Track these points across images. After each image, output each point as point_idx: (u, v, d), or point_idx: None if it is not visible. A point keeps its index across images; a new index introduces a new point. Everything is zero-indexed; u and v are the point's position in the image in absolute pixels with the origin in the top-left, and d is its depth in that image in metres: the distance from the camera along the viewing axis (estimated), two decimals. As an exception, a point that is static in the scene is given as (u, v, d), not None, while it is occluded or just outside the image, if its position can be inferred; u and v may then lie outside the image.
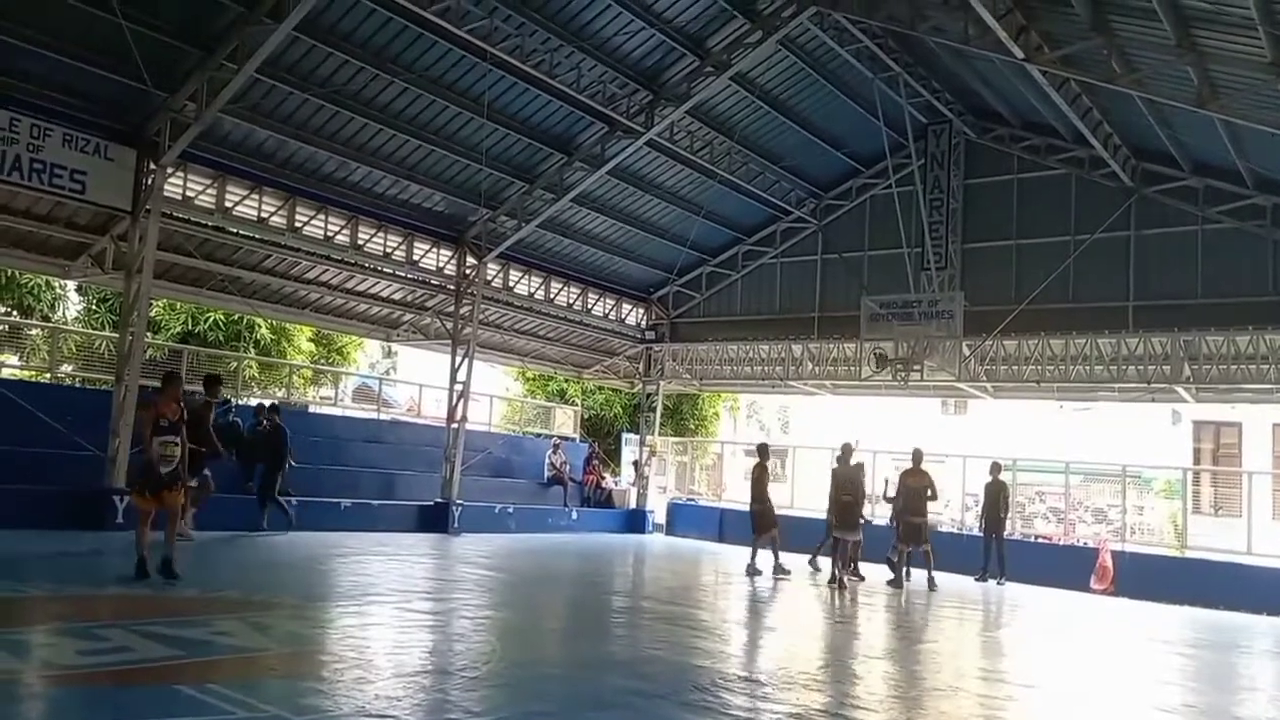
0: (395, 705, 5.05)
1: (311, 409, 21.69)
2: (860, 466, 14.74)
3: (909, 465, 14.53)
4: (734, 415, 32.25)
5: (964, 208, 18.34)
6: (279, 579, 10.04)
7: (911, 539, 14.05)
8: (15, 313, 19.82)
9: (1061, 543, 19.66)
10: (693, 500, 23.74)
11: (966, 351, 17.86)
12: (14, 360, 17.86)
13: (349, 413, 22.66)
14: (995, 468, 16.25)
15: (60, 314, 20.97)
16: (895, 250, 18.23)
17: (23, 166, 11.57)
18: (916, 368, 17.77)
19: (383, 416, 22.14)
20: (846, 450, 14.04)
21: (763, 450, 14.91)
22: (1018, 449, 21.98)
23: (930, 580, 13.88)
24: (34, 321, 19.45)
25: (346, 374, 24.63)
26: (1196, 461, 25.94)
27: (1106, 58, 11.43)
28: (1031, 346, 17.56)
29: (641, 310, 22.46)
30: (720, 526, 20.26)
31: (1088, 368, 17.07)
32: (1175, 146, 15.30)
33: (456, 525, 16.58)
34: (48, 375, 17.04)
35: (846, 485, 13.62)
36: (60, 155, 11.90)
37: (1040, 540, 20.30)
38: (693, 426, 27.78)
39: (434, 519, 16.50)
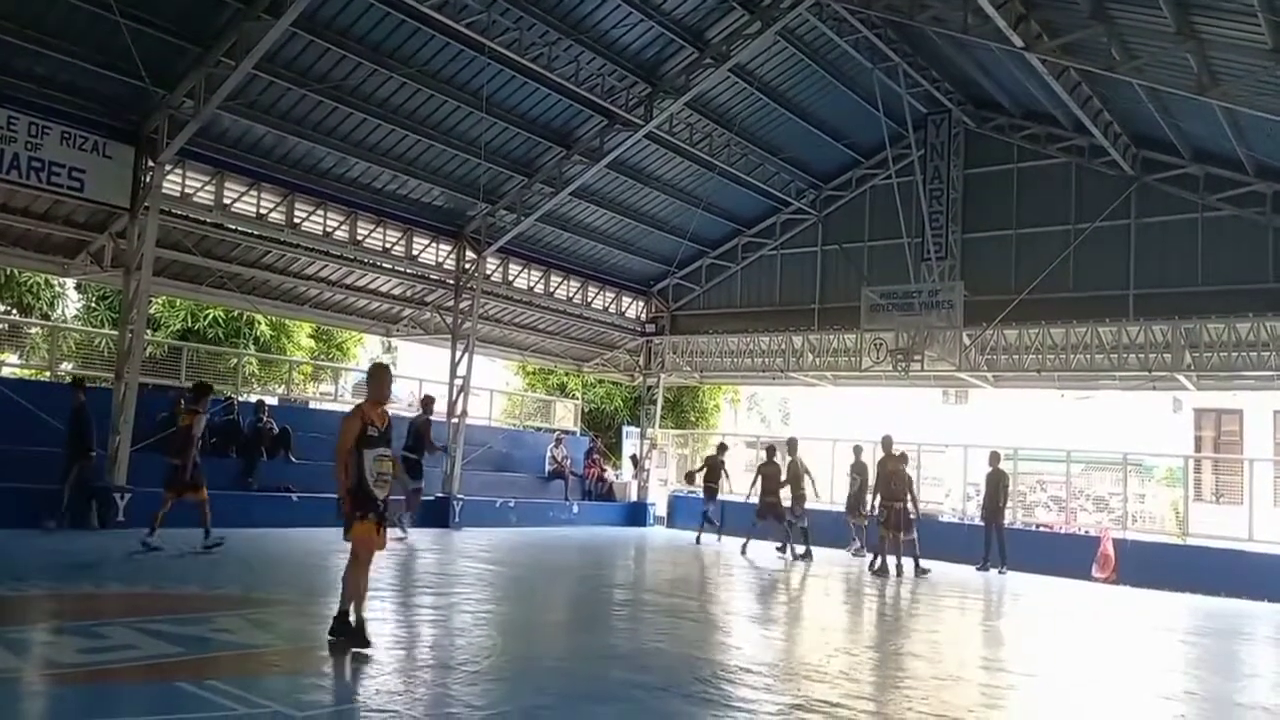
0: (396, 699, 5.06)
1: (312, 405, 21.69)
2: (904, 457, 15.00)
3: (882, 453, 14.67)
4: (735, 407, 32.23)
5: (964, 197, 18.30)
6: (279, 575, 10.05)
7: (894, 525, 14.05)
8: (15, 311, 19.84)
9: (1063, 531, 19.65)
10: (694, 493, 23.72)
11: (967, 341, 17.84)
12: (13, 359, 17.87)
13: (349, 408, 22.61)
14: (994, 457, 16.27)
15: (60, 312, 20.97)
16: (895, 241, 18.20)
17: (21, 165, 11.58)
18: (917, 358, 17.77)
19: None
20: (887, 443, 14.52)
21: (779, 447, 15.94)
22: (1019, 438, 21.98)
23: (917, 566, 14.07)
24: (33, 320, 19.45)
25: (347, 370, 24.62)
26: (1198, 449, 25.93)
27: (1106, 46, 11.39)
28: (1032, 335, 17.55)
29: (641, 303, 22.44)
30: (721, 519, 20.23)
31: (1088, 356, 17.05)
32: (1175, 134, 15.25)
33: (458, 520, 16.60)
34: (47, 373, 17.04)
35: (893, 480, 14.26)
36: (59, 153, 11.90)
37: (1042, 529, 20.29)
38: (693, 419, 27.76)
39: (435, 514, 16.51)
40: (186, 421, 10.99)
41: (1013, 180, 18.01)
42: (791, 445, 16.57)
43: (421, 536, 14.69)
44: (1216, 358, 15.87)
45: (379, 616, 7.79)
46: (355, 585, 6.20)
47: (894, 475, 14.25)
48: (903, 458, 14.66)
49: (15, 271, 18.67)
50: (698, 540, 17.45)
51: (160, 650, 5.88)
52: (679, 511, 21.68)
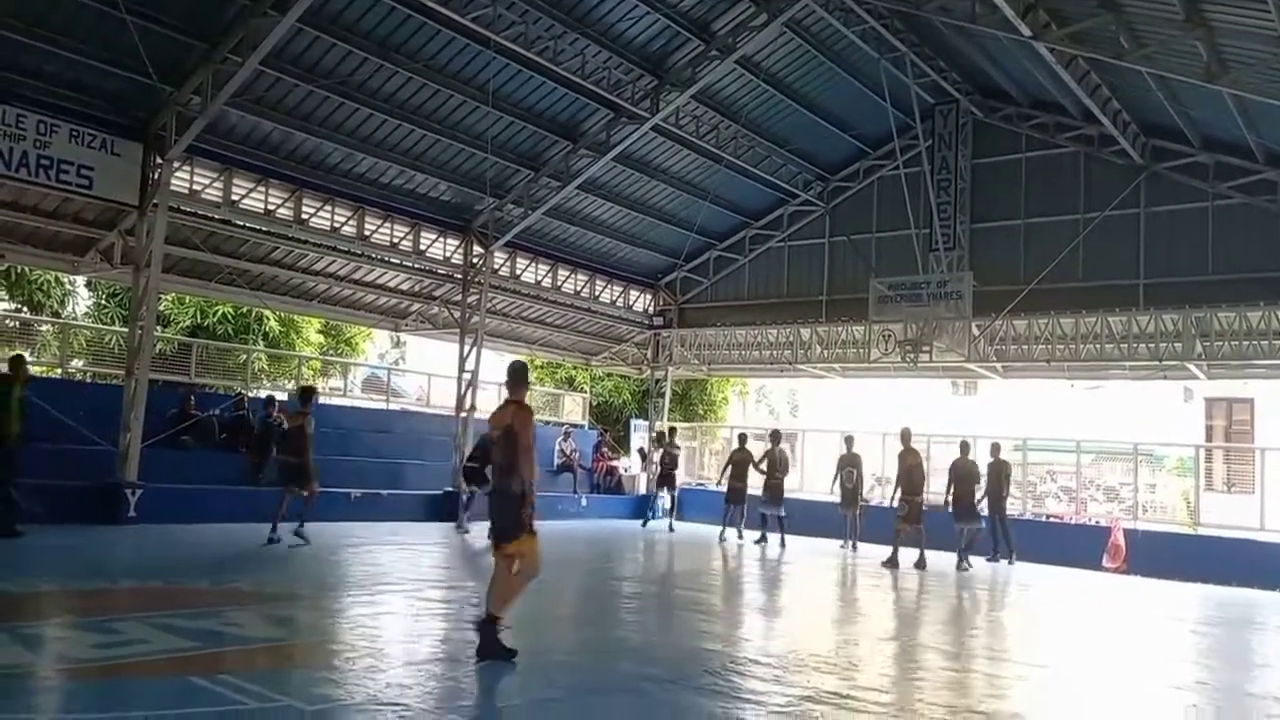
0: (406, 693, 5.08)
1: (321, 400, 21.73)
2: (974, 462, 15.16)
3: (900, 447, 14.62)
4: (743, 400, 32.21)
5: (972, 188, 18.22)
6: (290, 570, 10.09)
7: (915, 518, 14.04)
8: (25, 309, 19.93)
9: (1073, 521, 19.60)
10: (702, 485, 23.74)
11: (976, 332, 17.79)
12: (26, 356, 17.93)
13: (358, 403, 22.72)
14: (995, 448, 16.14)
15: (70, 310, 21.05)
16: (903, 232, 18.12)
17: (30, 163, 11.63)
18: (926, 349, 17.72)
19: (392, 407, 22.18)
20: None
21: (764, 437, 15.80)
22: (1028, 428, 21.89)
23: (920, 559, 13.94)
24: (44, 318, 19.54)
25: (355, 365, 24.69)
26: (1209, 438, 25.82)
27: (1115, 34, 11.31)
28: (1041, 326, 17.48)
29: (649, 296, 22.43)
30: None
31: (1098, 346, 16.97)
32: (1185, 122, 15.15)
33: (465, 515, 16.59)
34: (58, 371, 17.13)
35: (967, 479, 14.60)
36: (67, 151, 11.95)
37: (1052, 519, 20.25)
38: (701, 412, 27.76)
39: (444, 508, 16.55)
40: (298, 423, 11.79)
41: (1021, 170, 17.93)
42: (774, 436, 16.97)
43: (430, 531, 14.76)
44: (1227, 346, 15.78)
45: (389, 611, 7.84)
46: (512, 598, 5.99)
47: (915, 468, 14.25)
48: (916, 450, 14.70)
49: (25, 269, 18.76)
50: (758, 541, 16.37)
51: (173, 645, 5.92)
52: (687, 504, 21.67)
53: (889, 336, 18.54)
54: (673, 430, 19.65)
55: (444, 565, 11.48)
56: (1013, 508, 16.62)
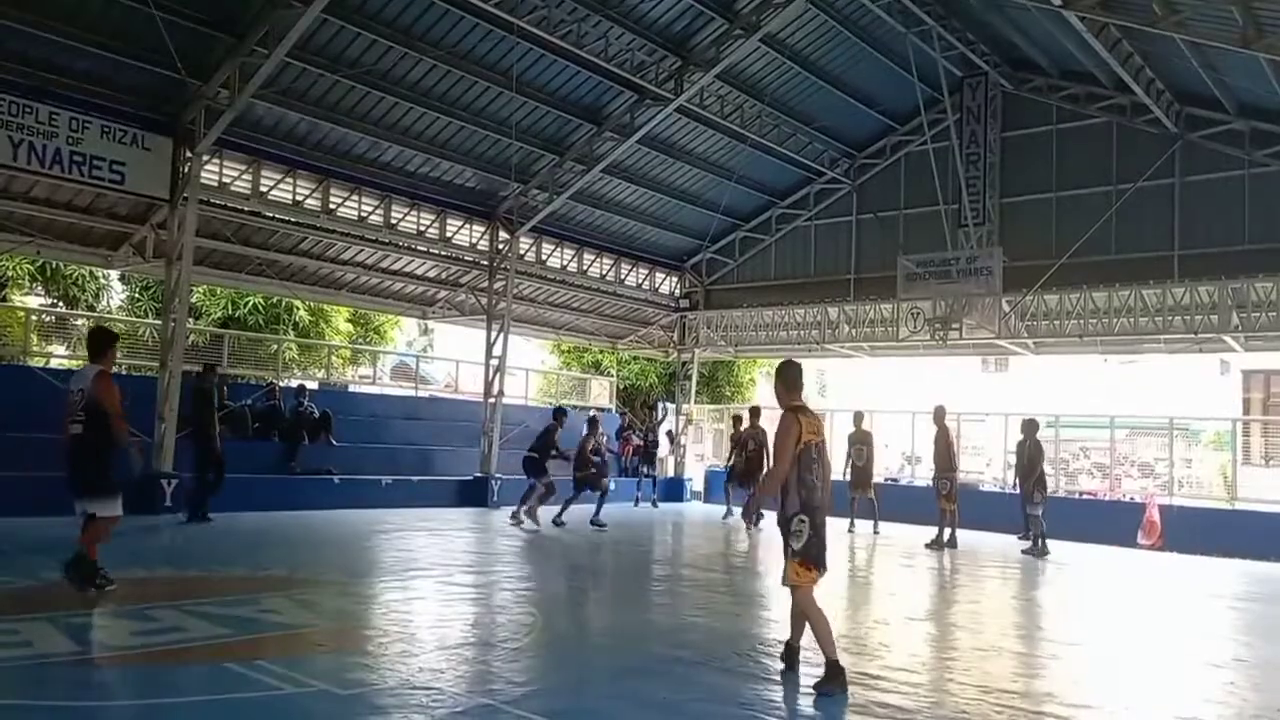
0: (439, 677, 5.14)
1: (351, 388, 21.98)
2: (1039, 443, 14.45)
3: (936, 426, 14.37)
4: (772, 381, 32.13)
5: (1002, 161, 17.95)
6: (323, 556, 10.24)
7: (955, 497, 13.91)
8: (61, 304, 20.29)
9: (1107, 498, 19.38)
10: (730, 467, 23.72)
11: (1006, 308, 17.58)
12: (62, 350, 18.29)
13: (387, 391, 22.93)
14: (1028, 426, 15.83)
15: (105, 304, 21.41)
16: (932, 208, 17.93)
17: (63, 159, 11.81)
18: (955, 326, 17.54)
19: (421, 394, 22.37)
20: (1030, 427, 14.05)
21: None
22: (1061, 404, 21.65)
23: (951, 538, 13.81)
24: (79, 312, 19.89)
25: (384, 352, 24.89)
26: (1246, 411, 25.38)
27: (1147, 0, 11.04)
28: (1073, 300, 17.21)
29: (675, 279, 22.38)
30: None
31: (1132, 320, 16.69)
32: (1220, 89, 14.80)
33: (496, 499, 16.77)
34: (96, 363, 17.41)
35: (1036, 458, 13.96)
36: (99, 147, 12.11)
37: (1085, 496, 20.02)
38: (729, 394, 27.72)
39: (474, 493, 16.71)
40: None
41: (1052, 142, 17.63)
42: (753, 413, 17.02)
43: (460, 516, 14.89)
44: (1265, 317, 15.46)
45: (421, 596, 7.93)
46: (810, 627, 5.43)
47: (950, 446, 14.11)
48: (947, 429, 14.45)
49: (61, 265, 19.08)
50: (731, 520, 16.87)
51: (209, 632, 6.04)
52: (716, 486, 21.69)
53: (918, 314, 18.39)
54: (652, 408, 19.26)
55: (474, 550, 11.58)
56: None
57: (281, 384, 17.50)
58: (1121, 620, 8.83)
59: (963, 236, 17.55)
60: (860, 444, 15.88)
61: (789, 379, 5.72)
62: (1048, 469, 15.19)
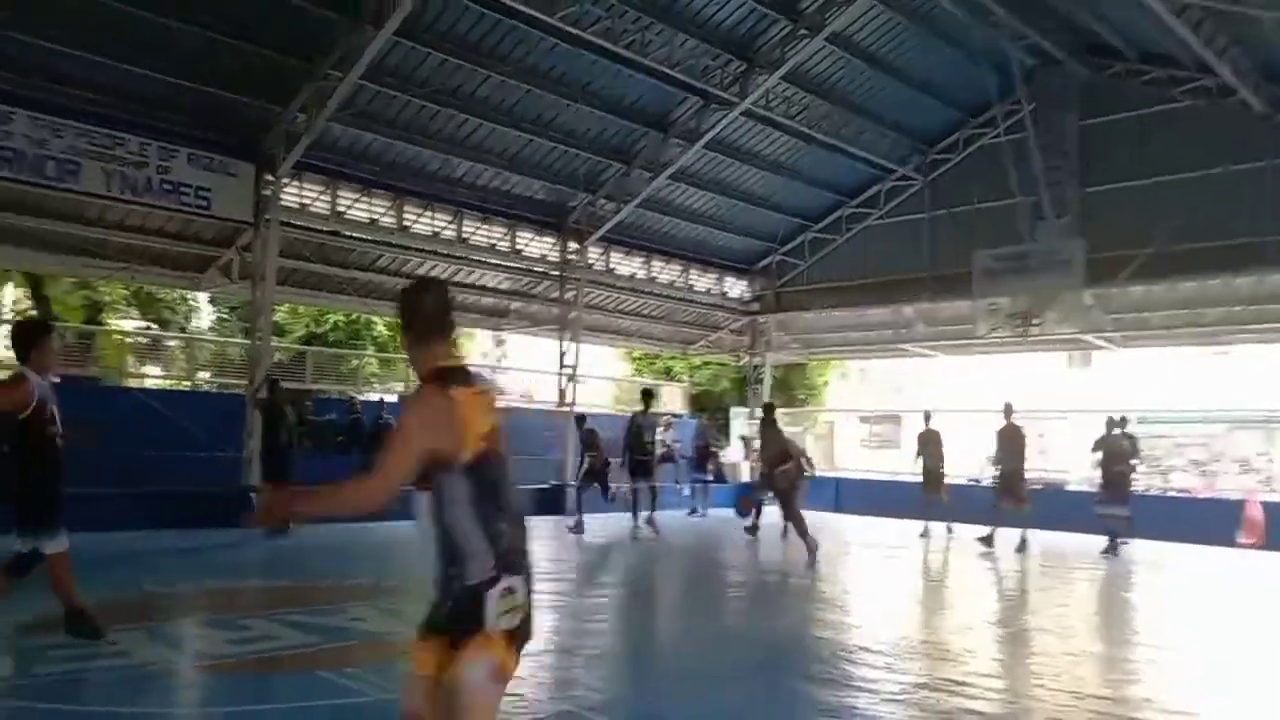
0: (520, 684, 5.20)
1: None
2: (1131, 438, 13.97)
3: (1004, 422, 13.84)
4: (845, 383, 31.68)
5: (1081, 150, 17.35)
6: (406, 566, 10.46)
7: (1012, 496, 13.38)
8: (155, 325, 21.22)
9: (1203, 496, 18.57)
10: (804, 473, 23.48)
11: (1089, 301, 16.99)
12: (156, 370, 19.13)
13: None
14: (1113, 423, 15.21)
15: (194, 324, 22.31)
16: (1008, 201, 17.43)
17: (154, 187, 12.37)
18: (1036, 322, 17.05)
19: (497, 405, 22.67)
20: (1111, 424, 13.58)
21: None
22: (1151, 399, 20.82)
23: (1021, 541, 13.14)
24: (172, 333, 20.76)
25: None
26: (1355, 403, 24.00)
27: (1230, -23, 10.60)
28: (1161, 292, 16.55)
29: (745, 282, 22.28)
30: (836, 497, 20.01)
31: (1225, 310, 15.98)
32: (1314, 66, 14.10)
33: (571, 508, 16.85)
34: (186, 383, 18.18)
35: (1117, 456, 13.43)
36: (187, 174, 12.65)
37: (1179, 494, 19.22)
38: (803, 397, 27.45)
39: (550, 502, 16.85)
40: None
41: (1134, 128, 16.97)
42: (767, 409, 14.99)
43: (537, 525, 15.02)
44: (1371, 304, 14.65)
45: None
46: None
47: (1020, 445, 13.65)
48: (1017, 426, 13.85)
49: (154, 288, 19.95)
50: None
51: (300, 640, 6.22)
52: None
53: (996, 311, 17.92)
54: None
55: (552, 558, 11.68)
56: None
57: (362, 398, 17.95)
58: (1222, 623, 8.45)
59: (1042, 229, 17.04)
60: (930, 444, 15.41)
61: (421, 311, 2.95)
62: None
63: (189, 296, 21.14)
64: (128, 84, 12.02)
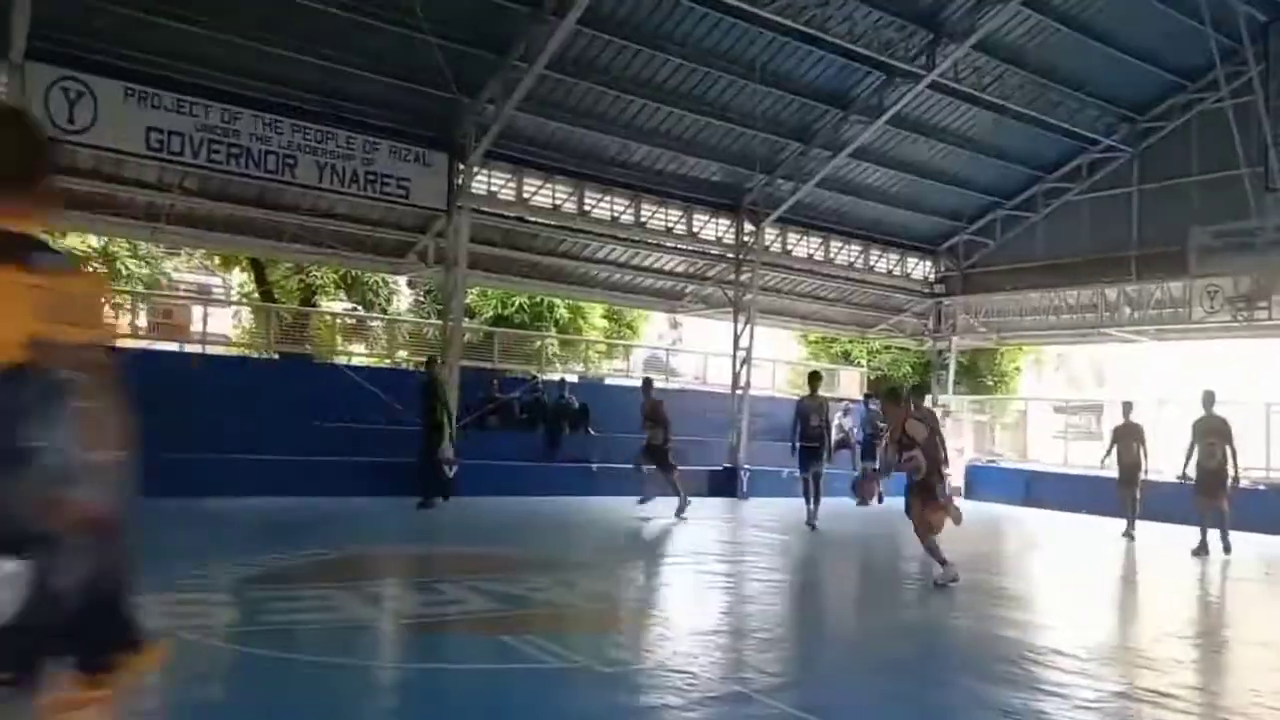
0: (693, 662, 5.27)
1: (606, 381, 22.98)
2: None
3: (1204, 412, 12.28)
4: (1039, 369, 29.86)
5: (1320, 114, 15.50)
6: (583, 540, 10.82)
7: (1208, 494, 11.99)
8: (360, 308, 22.88)
9: None
10: (993, 462, 22.36)
11: (1329, 283, 15.19)
12: (361, 349, 20.64)
13: (640, 383, 23.69)
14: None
15: (394, 307, 23.87)
16: (1231, 172, 15.82)
17: (360, 179, 13.33)
18: (1263, 304, 15.42)
19: (671, 385, 22.95)
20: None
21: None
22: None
23: (1225, 542, 11.78)
24: (374, 314, 22.31)
25: (636, 346, 25.78)
26: None
27: None
28: None
29: (929, 263, 21.40)
30: (1026, 490, 18.94)
31: None
32: None
33: (745, 490, 16.87)
34: (388, 361, 19.49)
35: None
36: (388, 165, 13.55)
37: None
38: (991, 384, 26.09)
39: (723, 484, 16.90)
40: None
41: (1388, 86, 14.98)
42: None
43: (711, 506, 15.10)
44: None
45: (675, 582, 8.17)
46: None
47: (1228, 438, 12.31)
48: (1219, 418, 12.25)
49: (359, 273, 21.50)
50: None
51: (485, 606, 6.57)
52: (977, 482, 20.52)
53: (1215, 293, 16.35)
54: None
55: (726, 540, 11.74)
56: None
57: (544, 377, 18.64)
58: None
59: (1271, 202, 15.34)
60: (1128, 438, 14.04)
61: None
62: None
63: (390, 280, 22.62)
64: (335, 82, 12.99)
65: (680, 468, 13.31)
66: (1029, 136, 17.98)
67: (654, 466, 13.11)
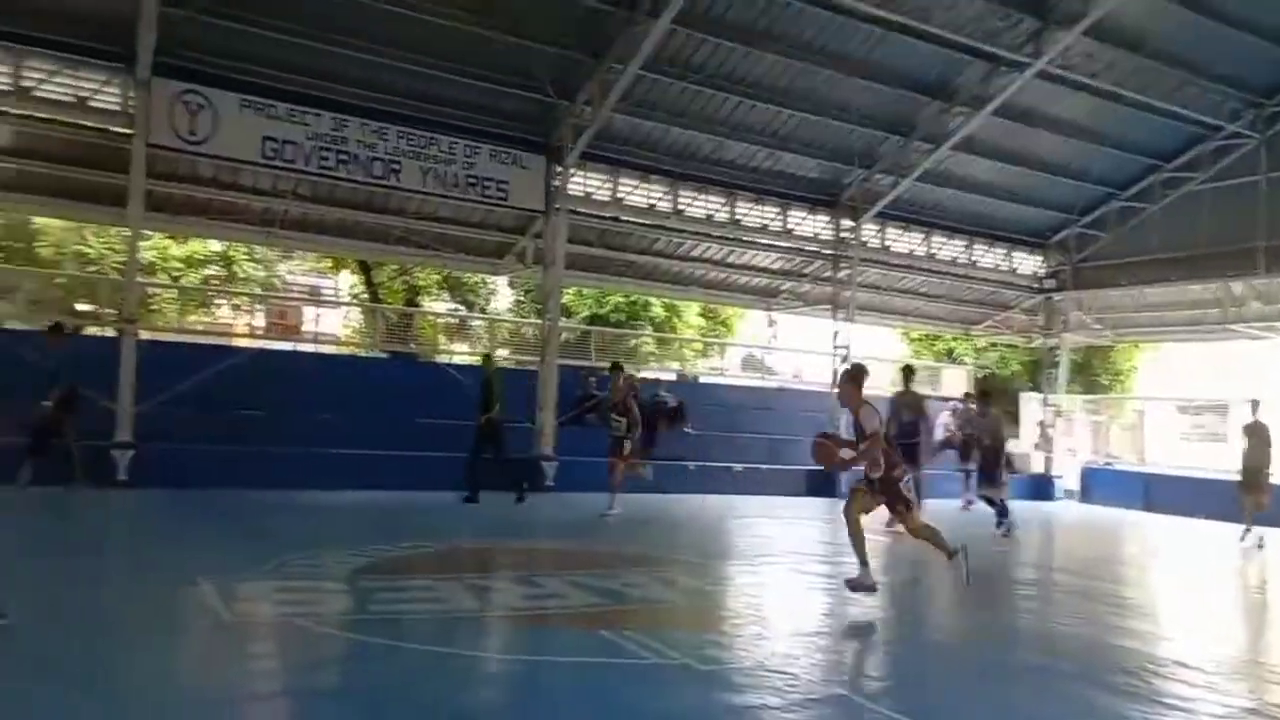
0: (793, 663, 5.21)
1: (702, 379, 22.95)
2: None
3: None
4: (1159, 367, 28.42)
5: None
6: (680, 538, 10.82)
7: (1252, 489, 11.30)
8: (462, 307, 23.46)
9: None
10: (1110, 464, 21.39)
11: None
12: (463, 348, 21.15)
13: (735, 381, 23.60)
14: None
15: (494, 306, 24.39)
16: (1373, 156, 14.74)
17: (460, 182, 13.69)
18: None
19: (767, 384, 22.75)
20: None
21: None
22: None
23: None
24: (475, 314, 22.85)
25: (732, 344, 25.66)
26: None
27: None
28: None
29: (1038, 258, 20.61)
30: (1145, 494, 18.06)
31: None
32: None
33: (844, 491, 16.53)
34: (489, 360, 19.87)
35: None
36: (488, 169, 13.87)
37: None
38: (1106, 383, 24.98)
39: (822, 484, 16.64)
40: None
41: None
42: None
43: (809, 506, 14.91)
44: None
45: (773, 581, 8.09)
46: None
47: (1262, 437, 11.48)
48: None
49: (460, 274, 22.05)
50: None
51: (584, 600, 6.64)
52: (1093, 485, 19.69)
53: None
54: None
55: (824, 540, 11.55)
56: None
57: (639, 375, 18.72)
58: None
59: None
60: (1254, 436, 13.07)
61: None
62: None
63: (490, 280, 23.12)
64: (436, 88, 13.34)
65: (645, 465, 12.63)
66: (1145, 124, 17.11)
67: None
